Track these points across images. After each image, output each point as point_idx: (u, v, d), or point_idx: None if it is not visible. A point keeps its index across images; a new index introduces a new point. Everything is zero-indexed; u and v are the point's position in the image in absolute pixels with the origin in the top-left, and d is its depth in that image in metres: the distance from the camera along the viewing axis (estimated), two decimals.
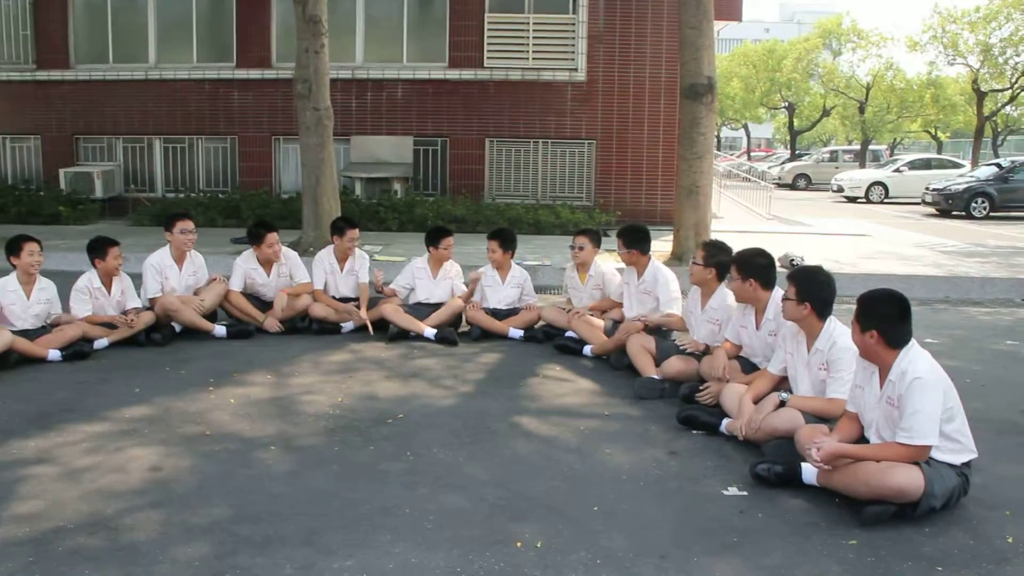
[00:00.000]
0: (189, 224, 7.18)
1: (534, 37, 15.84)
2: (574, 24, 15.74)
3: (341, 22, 15.60)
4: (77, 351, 6.28)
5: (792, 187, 35.05)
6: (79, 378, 5.81)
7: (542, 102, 15.96)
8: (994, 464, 4.35)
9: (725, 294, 5.74)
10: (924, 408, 3.62)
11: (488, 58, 15.90)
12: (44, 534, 3.46)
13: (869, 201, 27.68)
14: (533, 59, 15.88)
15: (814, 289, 4.52)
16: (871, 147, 42.62)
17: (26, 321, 6.34)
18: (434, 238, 7.54)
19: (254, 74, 16.17)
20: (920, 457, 3.64)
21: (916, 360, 3.74)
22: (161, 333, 6.86)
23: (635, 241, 6.58)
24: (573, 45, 15.76)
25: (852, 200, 28.19)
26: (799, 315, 4.55)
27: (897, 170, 28.99)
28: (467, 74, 15.95)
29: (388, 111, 16.15)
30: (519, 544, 3.44)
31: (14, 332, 6.12)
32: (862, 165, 36.65)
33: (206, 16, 16.56)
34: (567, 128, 16.07)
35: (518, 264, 7.65)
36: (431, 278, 7.53)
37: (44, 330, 6.42)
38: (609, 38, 15.69)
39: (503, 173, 16.44)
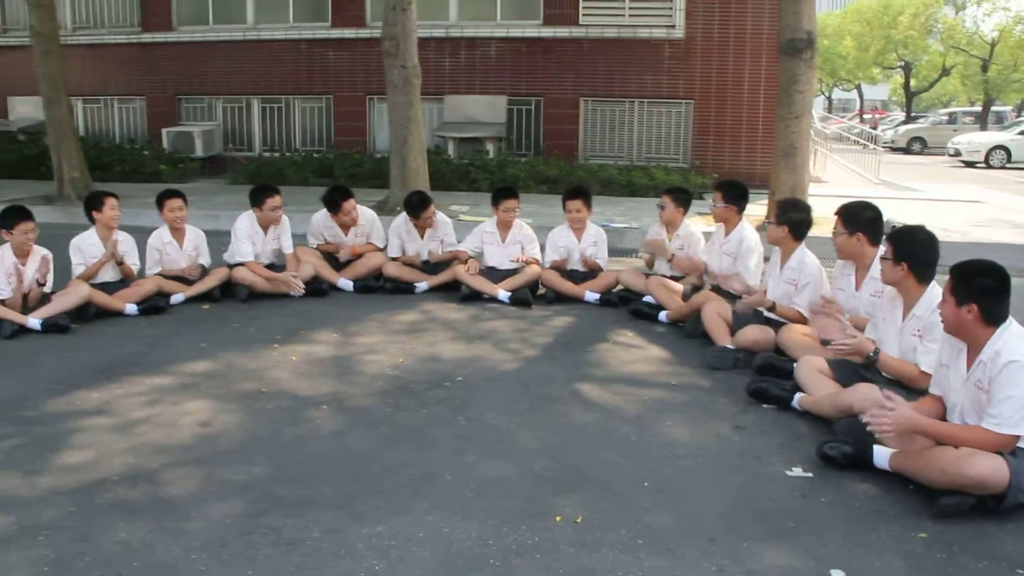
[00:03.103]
0: (278, 200, 7.10)
1: None
2: None
3: None
4: (152, 305, 6.39)
5: (906, 151, 33.37)
6: (150, 332, 5.91)
7: (638, 61, 15.49)
8: None
9: (804, 254, 5.45)
10: (1019, 394, 3.28)
11: (584, 15, 15.54)
12: (89, 485, 3.49)
13: (989, 166, 26.08)
14: (630, 16, 15.43)
15: (912, 248, 4.17)
16: (994, 108, 40.15)
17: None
18: (496, 199, 7.28)
19: (348, 33, 16.22)
20: (1005, 447, 3.29)
21: (1013, 340, 3.38)
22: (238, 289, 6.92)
23: (735, 196, 6.28)
24: (671, 1, 15.22)
25: (970, 165, 26.61)
26: (896, 277, 4.21)
27: (1022, 132, 27.21)
28: (562, 32, 15.61)
29: (482, 70, 15.97)
30: (558, 518, 3.27)
31: (94, 285, 6.26)
32: (983, 128, 34.58)
33: None
34: (664, 87, 15.57)
35: (596, 224, 7.40)
36: (499, 243, 7.29)
37: (123, 283, 6.54)
38: None
39: (597, 133, 16.09)
